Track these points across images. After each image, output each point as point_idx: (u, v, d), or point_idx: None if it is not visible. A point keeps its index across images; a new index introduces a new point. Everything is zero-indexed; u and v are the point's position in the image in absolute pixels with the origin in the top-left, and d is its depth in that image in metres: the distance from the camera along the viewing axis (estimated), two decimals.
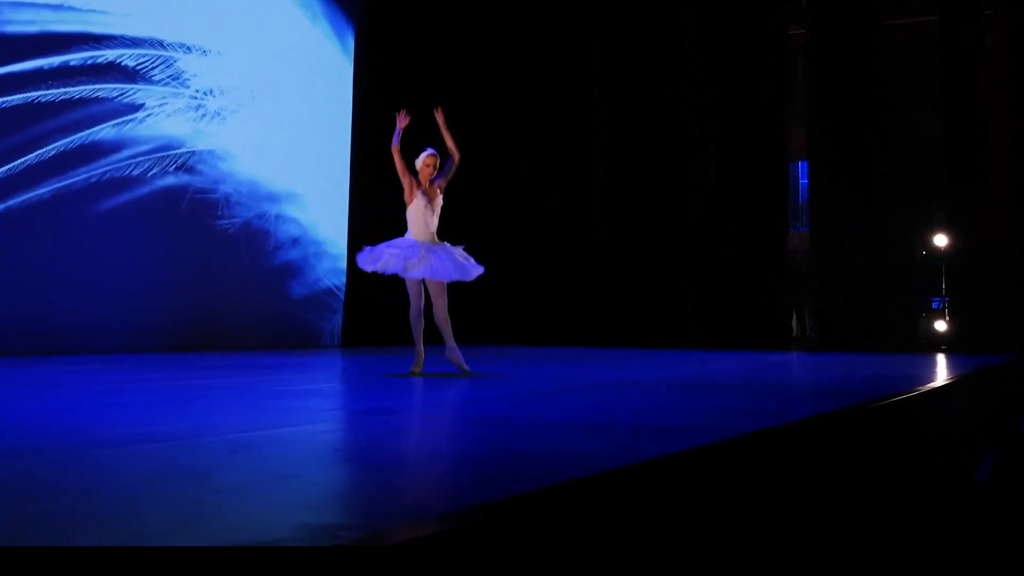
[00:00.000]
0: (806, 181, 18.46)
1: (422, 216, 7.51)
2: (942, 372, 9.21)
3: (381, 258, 7.46)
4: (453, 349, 7.53)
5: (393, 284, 13.29)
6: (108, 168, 10.94)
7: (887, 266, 13.99)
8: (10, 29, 10.13)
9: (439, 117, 7.65)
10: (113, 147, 11.00)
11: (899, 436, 5.82)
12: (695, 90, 15.09)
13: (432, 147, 7.67)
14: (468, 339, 12.14)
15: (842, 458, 4.80)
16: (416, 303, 7.51)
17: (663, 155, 15.21)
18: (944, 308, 14.87)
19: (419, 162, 7.59)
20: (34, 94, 10.32)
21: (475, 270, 7.49)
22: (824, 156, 14.60)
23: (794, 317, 16.04)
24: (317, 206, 13.46)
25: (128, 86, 11.16)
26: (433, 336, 7.72)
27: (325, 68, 13.75)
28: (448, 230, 7.77)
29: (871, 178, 14.13)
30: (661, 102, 15.29)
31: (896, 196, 14.07)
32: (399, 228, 11.47)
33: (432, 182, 7.55)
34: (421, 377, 7.29)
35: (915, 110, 14.58)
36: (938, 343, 14.46)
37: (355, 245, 13.97)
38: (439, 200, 7.56)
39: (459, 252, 7.52)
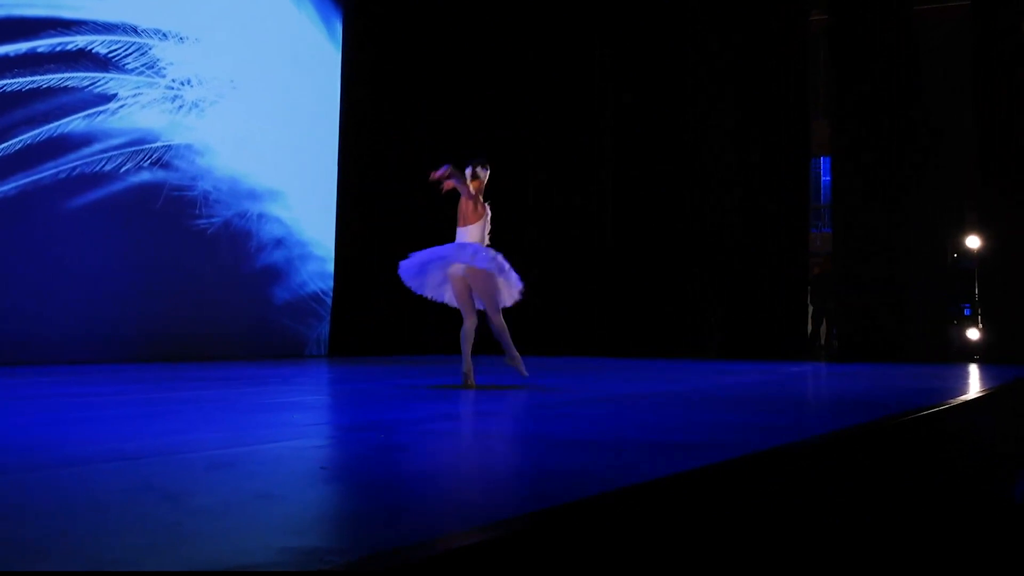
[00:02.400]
0: (828, 178, 18.48)
1: (483, 231, 7.66)
2: (974, 384, 9.21)
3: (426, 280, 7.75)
4: (514, 358, 7.88)
5: (384, 290, 13.30)
6: (78, 163, 10.96)
7: (915, 270, 13.98)
8: None
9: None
10: (83, 140, 11.02)
11: (928, 453, 5.83)
12: (708, 81, 15.10)
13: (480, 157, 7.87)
14: (473, 349, 12.16)
15: (866, 478, 4.80)
16: (469, 320, 7.75)
17: (674, 152, 15.21)
18: (977, 315, 14.86)
19: (484, 174, 7.78)
20: None
21: (480, 261, 7.42)
22: (848, 151, 14.60)
23: (816, 325, 16.04)
24: (302, 204, 13.47)
25: (100, 75, 11.18)
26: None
27: (311, 56, 13.77)
28: (450, 235, 7.87)
29: (899, 175, 14.12)
30: (672, 95, 15.30)
31: (925, 194, 14.06)
32: (390, 228, 11.70)
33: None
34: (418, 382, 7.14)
35: (947, 101, 14.58)
36: (970, 353, 14.46)
37: (343, 246, 14.04)
38: (475, 220, 7.66)
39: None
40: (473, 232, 7.58)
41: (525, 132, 16.22)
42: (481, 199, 7.64)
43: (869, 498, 4.62)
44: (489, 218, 7.67)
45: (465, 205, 7.63)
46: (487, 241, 7.65)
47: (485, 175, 7.76)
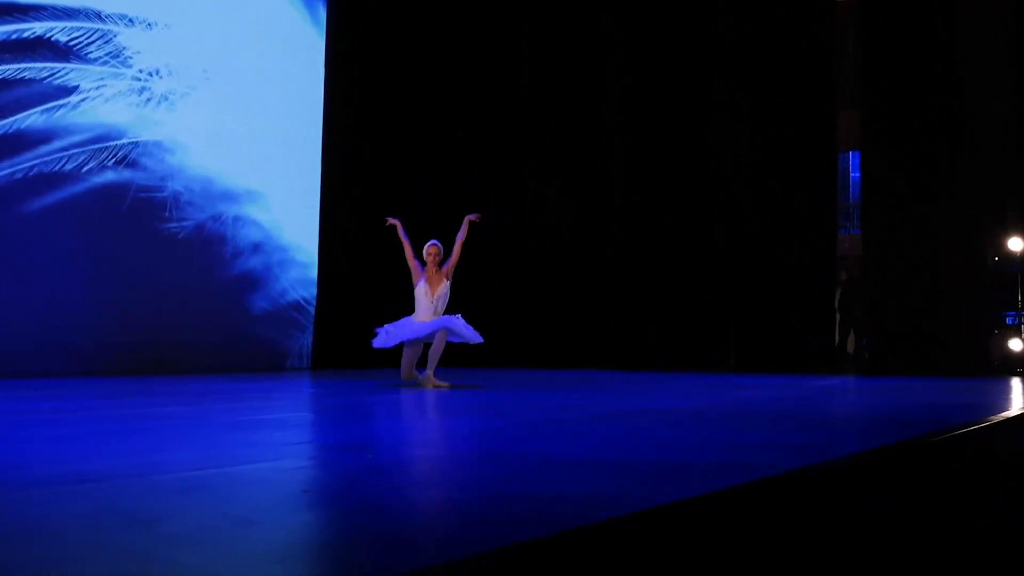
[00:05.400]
0: (857, 175, 18.49)
1: (423, 300, 9.89)
2: (1017, 399, 9.21)
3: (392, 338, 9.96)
4: (430, 378, 9.73)
5: (371, 299, 13.35)
6: (36, 162, 10.97)
7: (953, 274, 13.98)
8: None
9: (470, 221, 10.16)
10: (42, 137, 11.03)
11: (967, 474, 5.82)
12: (725, 69, 15.11)
13: (436, 239, 10.07)
14: (470, 361, 12.21)
15: (899, 500, 4.80)
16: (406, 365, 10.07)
17: (688, 145, 15.22)
18: (1020, 324, 14.86)
19: (424, 252, 10.01)
20: None
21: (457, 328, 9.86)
22: (879, 145, 14.60)
23: (843, 335, 16.04)
24: (283, 206, 13.49)
25: (60, 65, 11.19)
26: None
27: (292, 43, 13.79)
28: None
29: (935, 171, 14.12)
30: (685, 83, 15.31)
31: (964, 192, 14.06)
32: (377, 230, 11.91)
33: (441, 267, 9.94)
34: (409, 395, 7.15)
35: (987, 90, 14.56)
36: (1013, 365, 14.45)
37: (327, 251, 14.05)
38: (443, 288, 9.89)
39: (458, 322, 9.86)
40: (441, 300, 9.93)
41: (524, 125, 16.23)
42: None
43: (904, 523, 4.62)
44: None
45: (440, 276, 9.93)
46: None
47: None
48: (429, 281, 9.90)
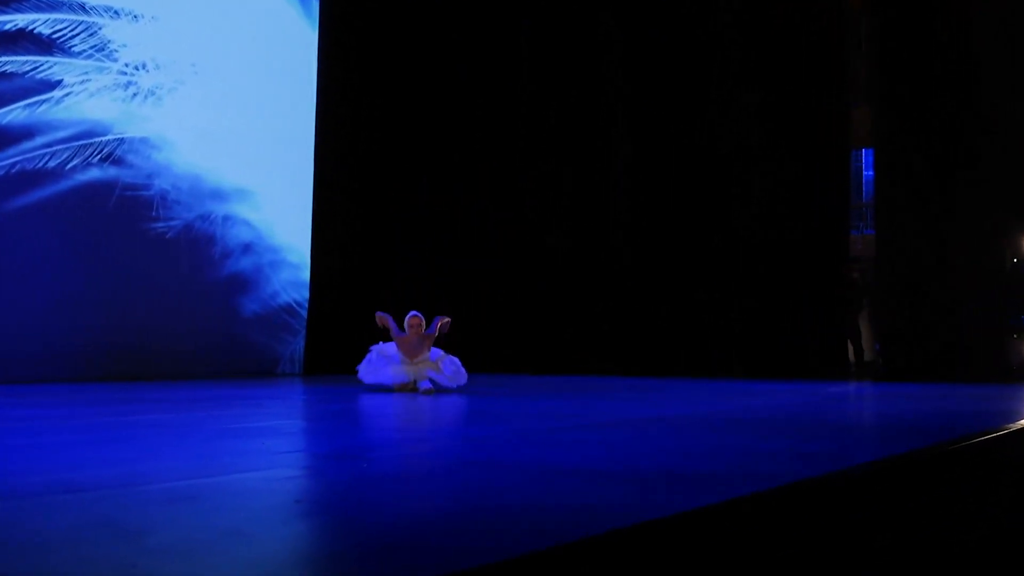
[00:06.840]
0: (871, 173, 18.49)
1: (406, 361, 9.95)
2: None
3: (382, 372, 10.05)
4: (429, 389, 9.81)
5: (365, 302, 13.36)
6: (18, 159, 10.97)
7: (969, 276, 13.97)
8: None
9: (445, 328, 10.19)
10: (24, 133, 11.04)
11: (985, 484, 5.83)
12: (728, 66, 15.11)
13: (416, 310, 10.11)
14: (466, 366, 12.22)
15: (915, 511, 4.81)
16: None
17: (695, 141, 15.22)
18: None
19: (405, 323, 10.07)
20: None
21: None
22: (893, 142, 14.60)
23: (856, 339, 16.02)
24: (274, 205, 13.49)
25: (42, 58, 11.20)
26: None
27: (284, 36, 13.79)
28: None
29: (950, 169, 14.11)
30: (692, 77, 15.31)
31: (981, 191, 14.05)
32: (371, 231, 11.88)
33: (425, 334, 9.98)
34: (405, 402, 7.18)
35: (1004, 87, 14.56)
36: None
37: (320, 251, 14.05)
38: (424, 355, 9.93)
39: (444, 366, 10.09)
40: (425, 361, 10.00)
41: (522, 123, 16.24)
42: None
43: (920, 535, 4.62)
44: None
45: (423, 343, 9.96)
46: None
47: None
48: (410, 352, 9.93)
